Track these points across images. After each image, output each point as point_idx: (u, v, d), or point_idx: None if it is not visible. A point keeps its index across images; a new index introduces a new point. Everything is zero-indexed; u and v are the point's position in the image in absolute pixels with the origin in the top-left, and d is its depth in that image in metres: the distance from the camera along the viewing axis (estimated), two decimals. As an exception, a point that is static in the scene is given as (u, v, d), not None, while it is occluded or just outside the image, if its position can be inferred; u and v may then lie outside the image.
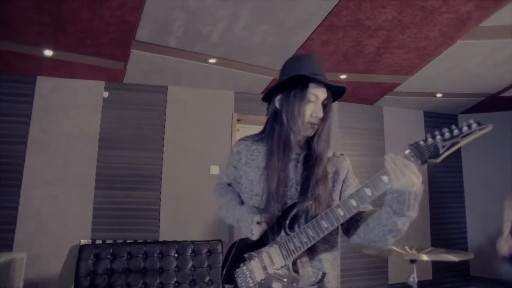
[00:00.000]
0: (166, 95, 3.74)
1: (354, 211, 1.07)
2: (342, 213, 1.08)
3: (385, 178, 1.02)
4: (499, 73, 3.38)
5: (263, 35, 2.74)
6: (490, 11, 2.37)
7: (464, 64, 3.22)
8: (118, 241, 3.35)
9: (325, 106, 1.27)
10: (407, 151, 0.99)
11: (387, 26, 2.60)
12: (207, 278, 3.33)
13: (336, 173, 1.29)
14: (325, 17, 2.50)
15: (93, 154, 3.45)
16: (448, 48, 2.91)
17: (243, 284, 1.27)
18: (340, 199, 1.26)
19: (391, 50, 2.98)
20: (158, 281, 3.21)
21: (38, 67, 3.21)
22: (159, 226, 3.53)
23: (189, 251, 3.39)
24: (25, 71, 3.27)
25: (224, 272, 1.36)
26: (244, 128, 4.05)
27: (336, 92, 1.31)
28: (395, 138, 4.53)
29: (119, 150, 3.53)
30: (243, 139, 1.46)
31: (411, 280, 2.00)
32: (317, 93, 1.23)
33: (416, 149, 0.98)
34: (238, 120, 3.95)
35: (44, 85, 3.39)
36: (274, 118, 1.32)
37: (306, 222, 1.19)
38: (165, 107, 3.72)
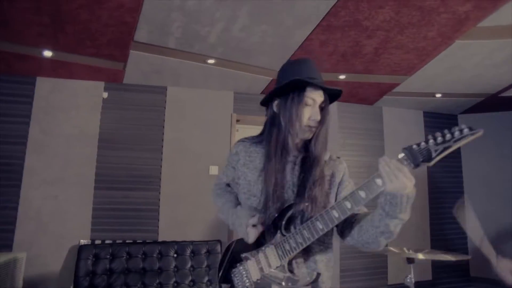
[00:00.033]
0: (166, 96, 3.75)
1: (349, 213, 1.10)
2: (336, 215, 1.11)
3: (379, 181, 1.04)
4: (499, 73, 3.37)
5: (261, 35, 2.74)
6: (488, 11, 2.37)
7: (463, 64, 3.22)
8: (118, 241, 3.36)
9: (322, 109, 1.28)
10: (400, 155, 1.01)
11: (385, 27, 2.60)
12: (206, 278, 3.33)
13: (332, 175, 1.31)
14: (323, 18, 2.50)
15: (93, 154, 3.46)
16: (447, 48, 2.91)
17: (239, 283, 1.29)
18: (335, 201, 1.27)
19: (390, 51, 2.98)
20: (157, 281, 3.21)
21: (38, 68, 3.22)
22: (158, 226, 3.54)
23: (188, 251, 3.39)
24: (25, 72, 3.29)
25: (221, 271, 1.38)
26: (243, 128, 4.05)
27: (333, 95, 1.33)
28: (395, 138, 4.53)
29: (118, 151, 3.54)
30: (242, 140, 1.48)
31: (408, 280, 2.00)
32: (314, 97, 1.25)
33: (410, 153, 1.00)
34: (237, 121, 3.96)
35: (44, 85, 3.40)
36: (272, 122, 1.34)
37: (302, 223, 1.21)
38: (165, 108, 3.73)
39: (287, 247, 1.18)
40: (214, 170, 3.76)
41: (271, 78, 3.57)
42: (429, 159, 0.98)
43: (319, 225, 1.13)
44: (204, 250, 3.44)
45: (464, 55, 3.04)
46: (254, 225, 1.24)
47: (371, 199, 1.06)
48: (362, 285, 4.10)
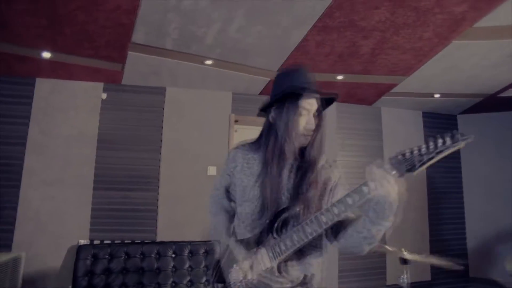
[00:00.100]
0: (164, 97, 3.77)
1: (336, 219, 1.15)
2: (325, 220, 1.16)
3: (365, 189, 1.09)
4: (496, 74, 3.37)
5: (258, 36, 2.76)
6: (484, 12, 2.37)
7: (460, 65, 3.22)
8: (116, 241, 3.38)
9: (318, 115, 1.32)
10: (387, 165, 1.05)
11: (380, 27, 2.61)
12: (204, 279, 3.34)
13: (327, 181, 1.35)
14: (319, 18, 2.51)
15: (92, 155, 3.48)
16: (444, 49, 2.92)
17: (233, 283, 1.32)
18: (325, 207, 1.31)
19: (386, 51, 2.99)
20: (155, 281, 3.22)
21: (37, 69, 3.25)
22: (156, 227, 3.56)
23: (186, 251, 3.40)
24: (25, 73, 3.32)
25: (216, 271, 1.42)
26: (242, 129, 4.06)
27: (328, 99, 1.36)
28: (393, 138, 4.53)
29: (117, 151, 3.56)
30: (239, 147, 1.50)
31: (401, 281, 2.01)
32: (308, 106, 1.29)
33: (395, 162, 1.05)
34: (236, 121, 3.97)
35: (43, 86, 3.43)
36: (269, 130, 1.37)
37: (295, 226, 1.25)
38: (163, 108, 3.75)
39: (278, 249, 1.24)
40: (212, 170, 3.77)
41: (269, 79, 3.59)
42: (413, 168, 1.02)
43: (308, 229, 1.18)
44: (202, 251, 3.45)
45: (461, 56, 3.04)
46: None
47: (358, 205, 1.11)
48: (361, 285, 4.10)
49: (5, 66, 3.14)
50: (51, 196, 3.32)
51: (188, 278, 3.31)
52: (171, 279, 3.27)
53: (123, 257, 3.22)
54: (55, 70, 3.27)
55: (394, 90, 3.90)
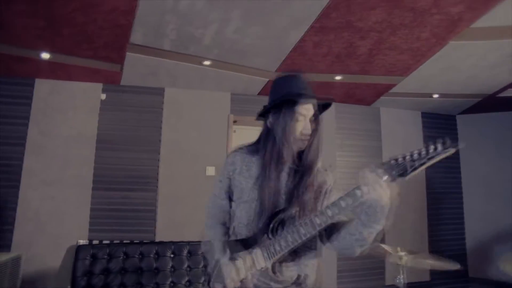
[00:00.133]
0: (163, 97, 3.78)
1: (330, 221, 1.19)
2: (319, 222, 1.20)
3: (358, 192, 1.13)
4: (494, 74, 3.37)
5: (255, 37, 2.77)
6: (480, 12, 2.38)
7: (458, 65, 3.22)
8: (115, 241, 3.39)
9: (314, 119, 1.35)
10: (379, 170, 1.08)
11: (377, 28, 2.61)
12: (202, 279, 3.35)
13: (322, 184, 1.39)
14: (316, 19, 2.52)
15: (91, 155, 3.50)
16: (441, 49, 2.92)
17: (228, 282, 1.34)
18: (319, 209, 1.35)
19: (384, 51, 2.99)
20: (154, 281, 3.23)
21: (36, 70, 3.27)
22: (155, 227, 3.57)
23: (185, 251, 3.41)
24: (24, 74, 3.33)
25: (210, 275, 1.45)
26: (240, 129, 4.08)
27: (325, 104, 1.39)
28: (393, 139, 4.53)
29: (116, 152, 3.57)
30: (238, 150, 1.52)
31: (397, 281, 2.01)
32: (304, 111, 1.32)
33: (388, 167, 1.09)
34: (234, 121, 3.98)
35: (43, 87, 3.44)
36: (267, 135, 1.40)
37: (290, 228, 1.28)
38: (162, 109, 3.76)
39: (272, 250, 1.27)
40: (211, 171, 3.78)
41: (268, 79, 3.60)
42: (405, 174, 1.06)
43: (302, 231, 1.22)
44: (201, 251, 3.45)
45: (459, 56, 3.04)
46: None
47: (351, 208, 1.15)
48: (359, 285, 4.10)
49: (4, 67, 3.16)
50: (50, 196, 3.33)
51: (186, 278, 3.32)
52: (170, 279, 3.28)
53: (122, 257, 3.23)
54: (54, 71, 3.29)
55: (393, 90, 3.90)
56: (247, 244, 1.34)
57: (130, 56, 3.03)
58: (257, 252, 1.30)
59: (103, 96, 3.60)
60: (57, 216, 3.32)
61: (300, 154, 1.38)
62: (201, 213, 3.80)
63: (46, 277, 3.19)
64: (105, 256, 3.19)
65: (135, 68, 3.29)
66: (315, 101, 1.33)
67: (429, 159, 1.03)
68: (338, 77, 3.56)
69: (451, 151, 1.01)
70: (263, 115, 1.42)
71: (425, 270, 4.34)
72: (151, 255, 3.32)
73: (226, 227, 1.49)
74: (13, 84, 3.35)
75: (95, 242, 3.36)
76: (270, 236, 1.28)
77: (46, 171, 3.35)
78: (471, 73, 3.39)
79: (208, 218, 1.54)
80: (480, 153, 4.61)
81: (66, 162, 3.42)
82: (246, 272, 1.30)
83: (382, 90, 3.94)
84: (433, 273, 4.37)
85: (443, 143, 1.01)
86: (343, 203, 1.15)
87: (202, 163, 3.78)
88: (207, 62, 3.22)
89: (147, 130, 3.69)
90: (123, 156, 3.58)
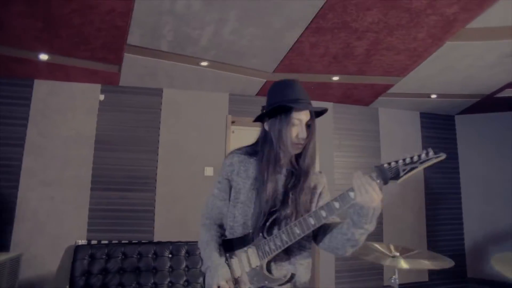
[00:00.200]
0: (161, 98, 3.80)
1: (323, 221, 1.23)
2: (313, 222, 1.24)
3: (351, 194, 1.17)
4: (491, 74, 3.37)
5: (251, 38, 2.78)
6: (475, 13, 2.38)
7: (455, 66, 3.23)
8: (113, 241, 3.40)
9: (309, 126, 1.38)
10: (373, 173, 1.13)
11: (374, 28, 2.62)
12: (200, 279, 3.36)
13: (315, 187, 1.44)
14: (312, 20, 2.53)
15: (89, 156, 3.52)
16: (438, 50, 2.93)
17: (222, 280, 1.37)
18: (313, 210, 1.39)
19: (381, 52, 3.00)
20: (152, 281, 3.24)
21: (35, 71, 3.29)
22: (153, 227, 3.58)
23: (183, 251, 3.42)
24: (23, 75, 3.35)
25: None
26: (239, 130, 4.08)
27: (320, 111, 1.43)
28: (391, 139, 4.53)
29: (115, 152, 3.59)
30: (235, 151, 1.55)
31: (392, 281, 2.02)
32: (300, 117, 1.35)
33: (380, 170, 1.13)
34: (233, 122, 3.99)
35: (42, 88, 3.46)
36: (265, 139, 1.43)
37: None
38: (160, 110, 3.78)
39: (267, 249, 1.31)
40: (209, 171, 3.80)
41: (265, 80, 3.61)
42: (397, 177, 1.10)
43: (297, 230, 1.26)
44: (198, 251, 3.46)
45: (456, 56, 3.05)
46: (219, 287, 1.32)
47: (344, 210, 1.20)
48: (358, 285, 4.11)
49: (3, 68, 3.18)
50: (49, 196, 3.35)
51: (184, 278, 3.33)
52: (168, 279, 3.29)
53: (120, 257, 3.24)
54: (52, 72, 3.31)
55: (391, 90, 3.91)
56: (242, 243, 1.37)
57: (127, 57, 3.05)
58: (252, 251, 1.34)
59: (102, 97, 3.62)
60: (56, 216, 3.34)
61: (297, 157, 1.42)
62: (199, 213, 3.83)
63: (44, 277, 3.21)
64: (104, 256, 3.20)
65: (133, 69, 3.30)
66: (309, 108, 1.36)
67: (421, 163, 1.08)
68: (335, 78, 3.57)
69: (442, 157, 1.07)
70: (260, 118, 1.45)
71: (424, 270, 4.34)
72: (149, 255, 3.33)
73: (223, 229, 1.50)
74: (12, 85, 3.37)
75: (94, 242, 3.38)
76: (265, 235, 1.32)
77: (45, 171, 3.37)
78: (469, 74, 3.40)
79: (206, 219, 1.54)
80: (478, 153, 4.62)
81: (65, 163, 3.43)
82: (240, 270, 1.34)
83: (380, 91, 3.94)
84: (431, 273, 4.37)
85: (435, 152, 1.08)
86: (336, 204, 1.19)
87: (200, 163, 3.80)
88: (204, 63, 3.23)
89: (146, 131, 3.71)
90: (122, 156, 3.60)
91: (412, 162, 1.08)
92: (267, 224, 1.33)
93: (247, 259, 1.34)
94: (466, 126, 4.78)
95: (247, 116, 3.96)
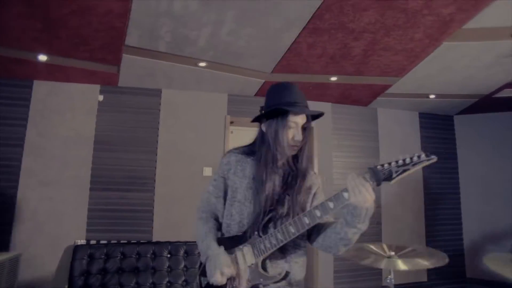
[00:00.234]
0: (160, 98, 3.81)
1: (318, 220, 1.26)
2: (307, 221, 1.26)
3: (346, 194, 1.19)
4: (489, 75, 3.38)
5: (249, 39, 2.79)
6: (470, 14, 2.39)
7: (453, 66, 3.23)
8: (112, 241, 3.42)
9: (305, 128, 1.41)
10: (366, 174, 1.16)
11: (371, 29, 2.63)
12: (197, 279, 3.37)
13: (310, 187, 1.46)
14: (309, 20, 2.54)
15: (88, 156, 3.53)
16: (435, 50, 2.93)
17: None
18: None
19: (378, 52, 3.01)
20: (151, 281, 3.26)
21: (35, 72, 3.30)
22: (152, 227, 3.60)
23: (182, 251, 3.43)
24: (22, 76, 3.37)
25: (202, 266, 1.48)
26: (237, 130, 4.10)
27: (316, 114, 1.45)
28: (390, 139, 4.53)
29: (113, 152, 3.60)
30: (232, 151, 1.57)
31: (388, 281, 2.03)
32: (297, 120, 1.38)
33: (374, 172, 1.16)
34: (231, 122, 4.00)
35: (41, 89, 3.48)
36: (262, 140, 1.46)
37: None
38: (159, 110, 3.79)
39: (262, 247, 1.33)
40: (208, 171, 3.81)
41: (264, 81, 3.61)
42: (390, 178, 1.13)
43: (292, 229, 1.28)
44: (197, 251, 3.46)
45: (453, 57, 3.06)
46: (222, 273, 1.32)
47: (338, 209, 1.22)
48: (356, 285, 4.11)
49: (3, 69, 3.20)
50: (49, 196, 3.37)
51: (183, 278, 3.34)
52: (167, 279, 3.30)
53: (119, 257, 3.26)
54: (52, 73, 3.33)
55: (389, 91, 3.91)
56: (237, 241, 1.39)
57: (126, 58, 3.06)
58: (247, 249, 1.35)
59: (101, 98, 3.63)
60: (55, 216, 3.35)
61: (293, 158, 1.45)
62: (197, 213, 3.80)
63: (43, 277, 3.22)
64: (102, 256, 3.21)
65: (132, 70, 3.32)
66: (306, 111, 1.39)
67: (413, 165, 1.11)
68: (333, 78, 3.58)
69: (433, 159, 1.10)
70: (258, 119, 1.48)
71: (423, 270, 4.34)
72: (148, 255, 3.34)
73: (219, 223, 1.52)
74: (11, 85, 3.39)
75: (93, 242, 3.39)
76: (260, 234, 1.34)
77: (44, 171, 3.39)
78: (467, 74, 3.40)
79: (202, 212, 1.56)
80: (477, 153, 4.62)
81: (64, 163, 3.45)
82: (236, 268, 1.35)
83: (378, 91, 3.95)
84: (430, 273, 4.37)
85: (426, 155, 1.11)
86: (330, 204, 1.22)
87: (199, 163, 3.81)
88: (202, 64, 3.25)
89: (144, 131, 3.72)
90: (121, 157, 3.61)
91: (404, 164, 1.11)
92: (263, 223, 1.35)
93: (243, 257, 1.36)
94: (465, 126, 4.78)
95: (246, 116, 3.97)
